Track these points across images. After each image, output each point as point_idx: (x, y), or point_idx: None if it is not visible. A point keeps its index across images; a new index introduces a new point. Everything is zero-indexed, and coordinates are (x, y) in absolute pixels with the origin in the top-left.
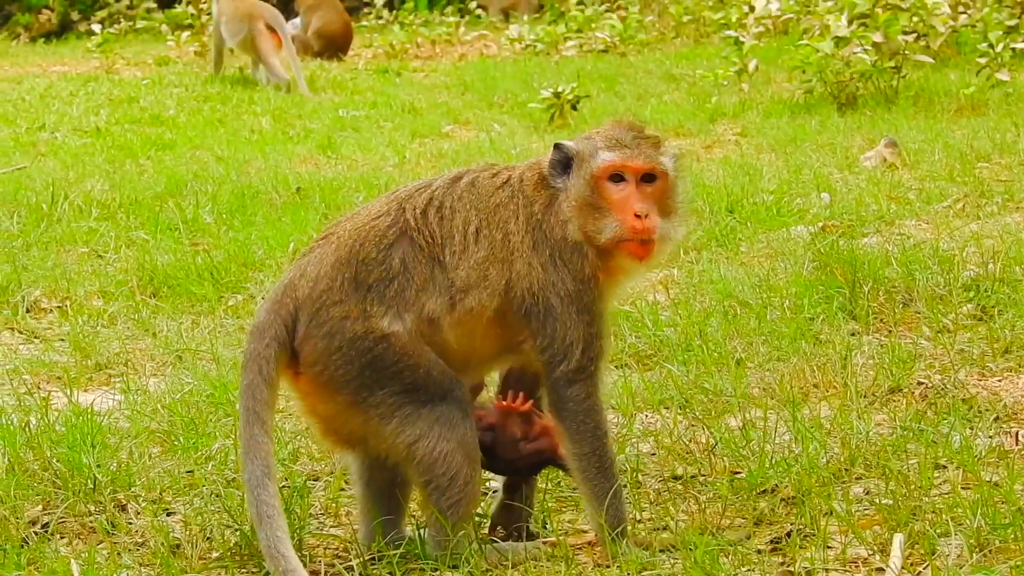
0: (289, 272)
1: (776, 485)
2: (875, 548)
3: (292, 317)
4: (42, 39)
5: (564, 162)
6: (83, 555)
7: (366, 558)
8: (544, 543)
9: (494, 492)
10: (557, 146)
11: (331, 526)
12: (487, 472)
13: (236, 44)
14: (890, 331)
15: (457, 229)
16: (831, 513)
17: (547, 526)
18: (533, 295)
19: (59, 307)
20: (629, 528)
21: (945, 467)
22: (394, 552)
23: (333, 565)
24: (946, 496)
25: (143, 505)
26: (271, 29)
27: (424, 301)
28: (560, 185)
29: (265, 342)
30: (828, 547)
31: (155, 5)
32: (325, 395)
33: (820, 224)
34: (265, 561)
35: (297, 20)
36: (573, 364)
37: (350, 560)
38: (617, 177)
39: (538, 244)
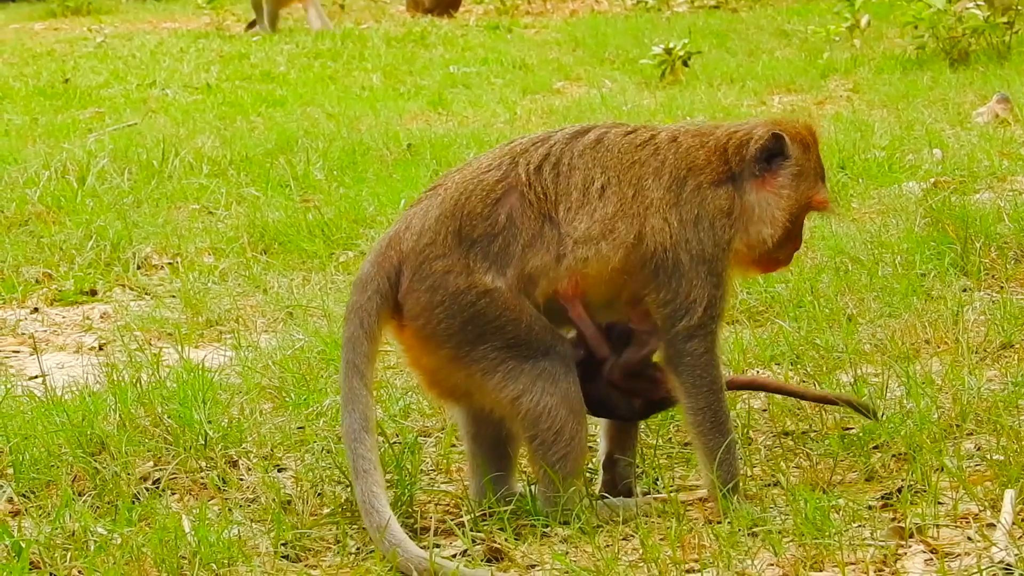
0: (395, 224)
1: (887, 441)
2: (986, 504)
3: (396, 270)
4: None
5: (773, 155)
6: (194, 511)
7: (477, 514)
8: (655, 499)
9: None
10: (778, 137)
11: (442, 482)
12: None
13: None
14: (1002, 287)
15: (576, 186)
16: (942, 469)
17: (658, 482)
18: (665, 250)
19: (170, 264)
20: (741, 484)
21: None
22: (504, 508)
23: (444, 521)
24: None
25: (254, 461)
26: None
27: (529, 258)
28: (756, 172)
29: (367, 295)
30: (939, 503)
31: None
32: (428, 348)
33: (932, 180)
34: (360, 515)
35: None
36: (695, 320)
37: (461, 516)
38: (815, 211)
39: (684, 204)
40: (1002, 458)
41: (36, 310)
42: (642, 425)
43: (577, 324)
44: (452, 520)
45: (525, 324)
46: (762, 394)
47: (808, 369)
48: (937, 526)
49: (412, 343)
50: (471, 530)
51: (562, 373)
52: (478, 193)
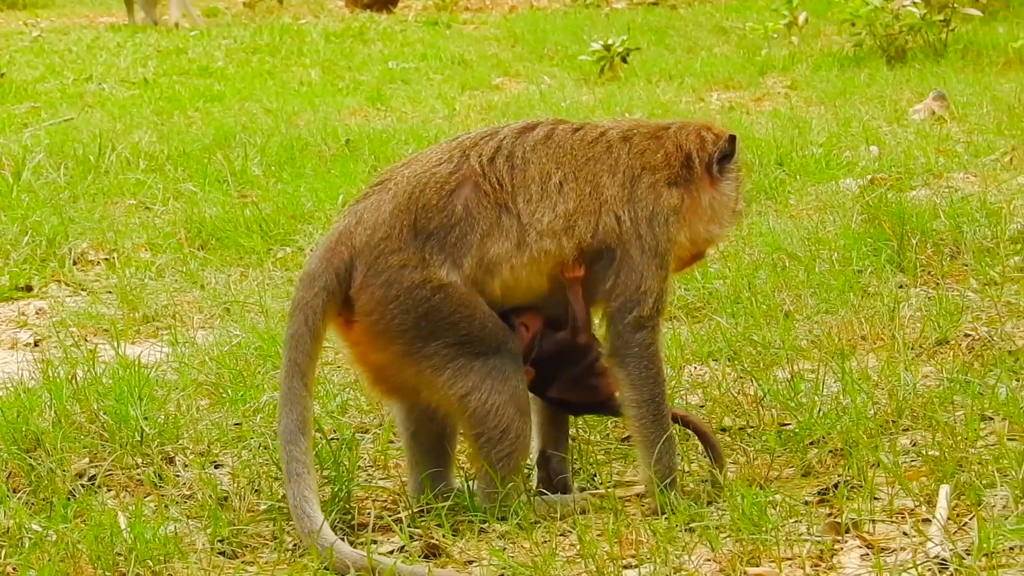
0: (343, 219)
1: (824, 437)
2: (921, 499)
3: (347, 266)
4: None
5: (726, 157)
6: (130, 508)
7: (414, 510)
8: (593, 494)
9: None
10: (733, 140)
11: (380, 478)
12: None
13: None
14: (938, 283)
15: (533, 180)
16: (878, 464)
17: (596, 478)
18: (620, 245)
19: (106, 259)
20: (678, 480)
21: (991, 419)
22: (442, 504)
23: (382, 517)
24: (992, 447)
25: (191, 458)
26: None
27: (489, 246)
28: (713, 173)
29: (314, 291)
30: (875, 498)
31: None
32: (379, 344)
33: (869, 177)
34: (293, 521)
35: None
36: (645, 312)
37: (399, 512)
38: None
39: (639, 201)
40: (937, 454)
41: None
42: (579, 422)
43: (573, 304)
44: (390, 516)
45: (479, 321)
46: (700, 390)
47: (745, 365)
48: (873, 521)
49: (362, 340)
50: (409, 526)
51: (511, 371)
52: (432, 185)
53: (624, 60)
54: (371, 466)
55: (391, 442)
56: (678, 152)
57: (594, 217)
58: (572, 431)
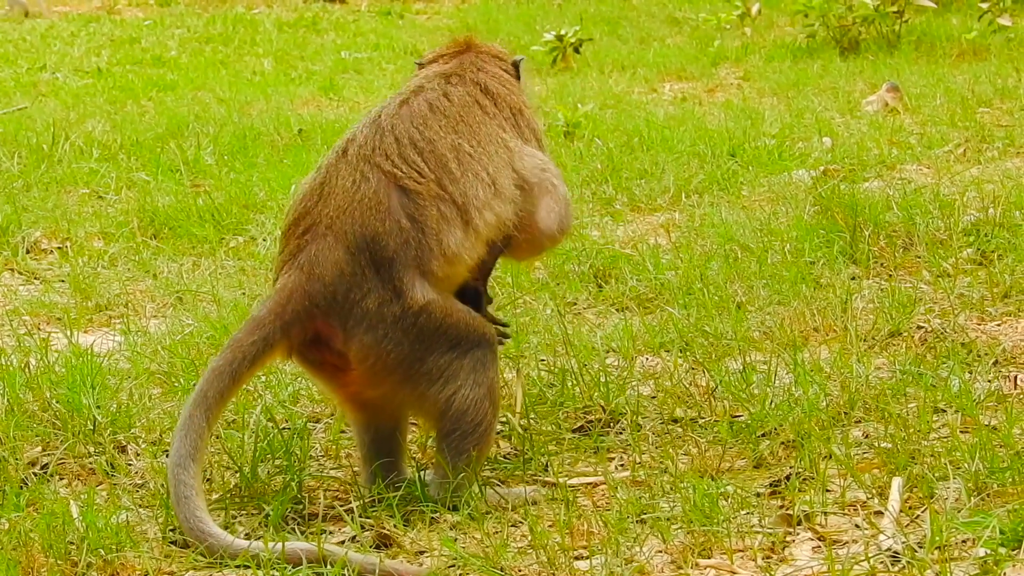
0: (288, 274)
1: (776, 428)
2: (874, 491)
3: (303, 325)
4: None
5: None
6: (82, 496)
7: (366, 500)
8: (544, 484)
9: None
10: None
11: (331, 468)
12: None
13: None
14: (890, 275)
15: (448, 157)
16: (830, 456)
17: (548, 468)
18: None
19: (59, 248)
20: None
21: (944, 411)
22: (394, 494)
23: (333, 507)
24: (945, 440)
25: (143, 446)
26: None
27: (446, 240)
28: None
29: (253, 338)
30: (827, 490)
31: None
32: (376, 381)
33: (821, 168)
34: (190, 540)
35: None
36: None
37: (350, 502)
38: None
39: (526, 133)
40: (890, 446)
41: None
42: (531, 412)
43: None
44: (341, 506)
45: (461, 321)
46: (651, 381)
47: (697, 356)
48: (825, 513)
49: (357, 382)
50: (360, 516)
51: (490, 360)
52: (369, 213)
53: (577, 50)
54: (322, 456)
55: (343, 432)
56: (504, 75)
57: (511, 169)
58: (524, 421)
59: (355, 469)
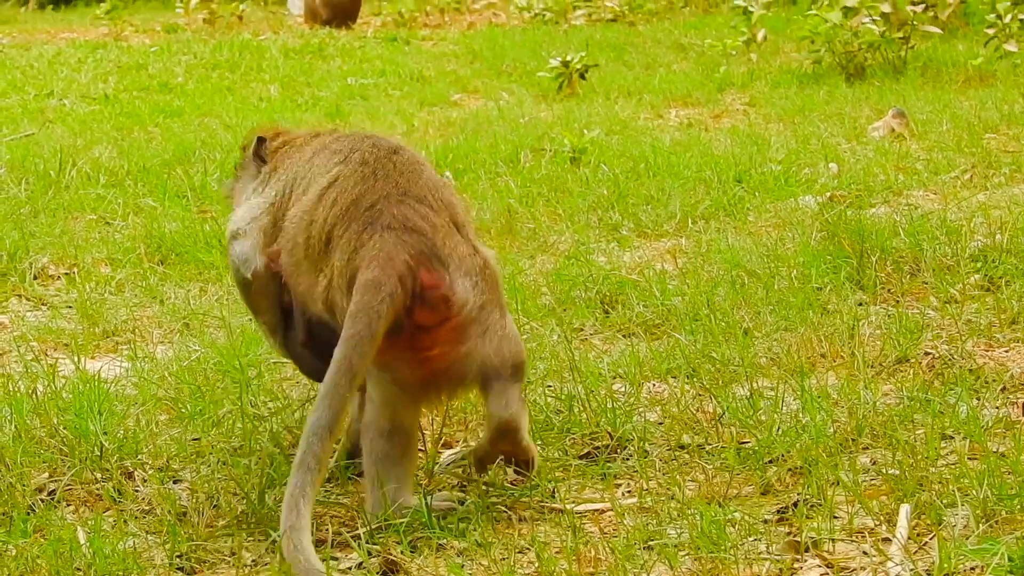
0: (381, 236)
1: (783, 455)
2: (882, 518)
3: (413, 275)
4: (50, 5)
5: None
6: (89, 522)
7: (372, 527)
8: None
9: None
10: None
11: (337, 494)
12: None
13: None
14: (897, 301)
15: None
16: (838, 483)
17: (555, 495)
18: None
19: (67, 274)
20: None
21: (952, 438)
22: (400, 520)
23: (340, 533)
24: (953, 467)
25: (150, 472)
26: None
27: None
28: None
29: (380, 297)
30: (835, 517)
31: None
32: (466, 334)
33: (828, 194)
34: (282, 508)
35: None
36: None
37: (357, 529)
38: None
39: None
40: (897, 472)
41: None
42: (537, 440)
43: None
44: (348, 532)
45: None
46: (658, 407)
47: (704, 382)
48: (833, 540)
49: (447, 339)
50: (367, 543)
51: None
52: (439, 184)
53: (582, 76)
54: (329, 482)
55: (351, 460)
56: None
57: None
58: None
59: (362, 495)
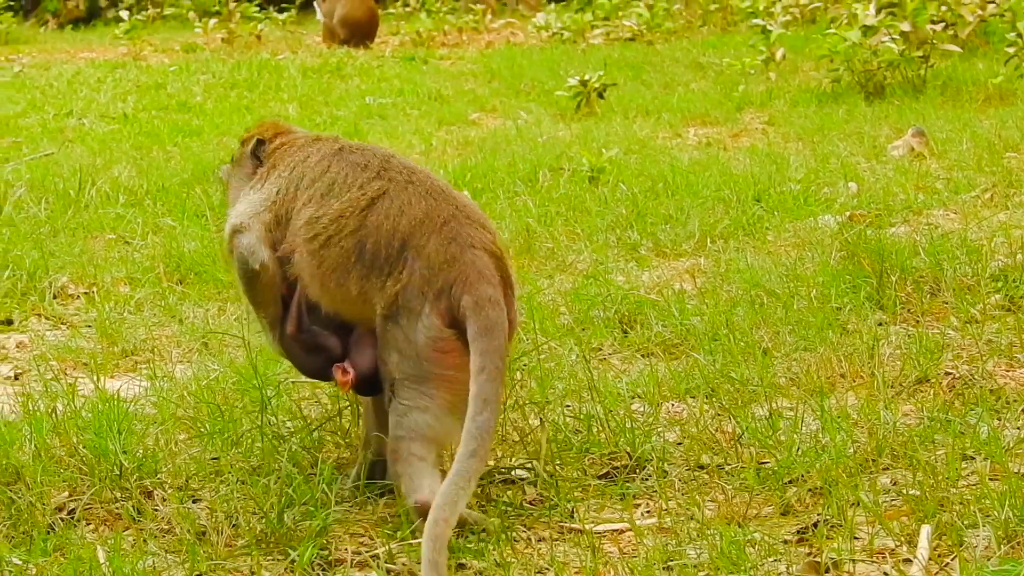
0: (475, 253)
1: (803, 475)
2: (902, 539)
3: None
4: (70, 25)
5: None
6: (109, 542)
7: (391, 546)
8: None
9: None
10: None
11: (356, 513)
12: None
13: None
14: (918, 321)
15: None
16: (858, 504)
17: (574, 515)
18: None
19: (86, 293)
20: None
21: (973, 458)
22: (419, 540)
23: (359, 553)
24: (974, 487)
25: (169, 492)
26: None
27: None
28: None
29: (502, 313)
30: (855, 538)
31: None
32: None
33: (847, 213)
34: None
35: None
36: None
37: (376, 548)
38: None
39: None
40: (918, 493)
41: None
42: (556, 459)
43: None
44: (367, 552)
45: None
46: (677, 427)
47: (723, 402)
48: (853, 561)
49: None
50: (386, 562)
51: None
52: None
53: (601, 96)
54: (348, 501)
55: (371, 479)
56: None
57: None
58: (549, 468)
59: (380, 515)
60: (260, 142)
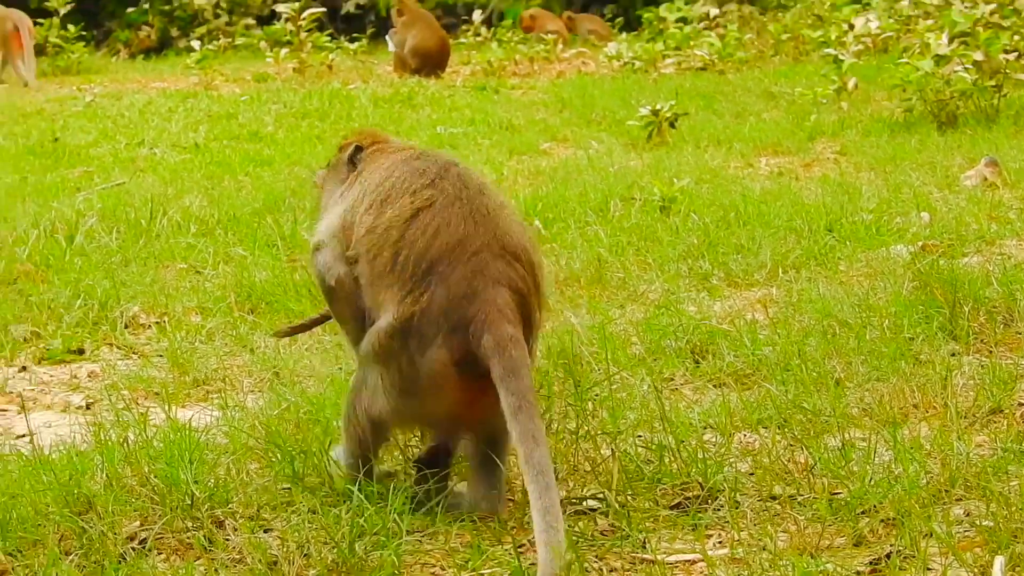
0: (499, 290)
1: (875, 506)
2: (976, 570)
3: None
4: (141, 55)
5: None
6: (180, 571)
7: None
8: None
9: None
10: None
11: (427, 543)
12: None
13: None
14: (991, 351)
15: None
16: (931, 535)
17: (645, 546)
18: None
19: (157, 323)
20: None
21: None
22: (488, 571)
23: None
24: None
25: (240, 521)
26: (17, 30)
27: None
28: None
29: (525, 352)
30: (928, 569)
31: (254, 22)
32: None
33: (920, 243)
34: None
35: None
36: None
37: None
38: None
39: None
40: (991, 524)
41: (24, 369)
42: (628, 489)
43: None
44: None
45: None
46: (749, 458)
47: (795, 433)
48: None
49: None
50: None
51: None
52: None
53: (672, 125)
54: (419, 531)
55: (437, 506)
56: None
57: None
58: (620, 498)
59: (451, 545)
60: (358, 148)
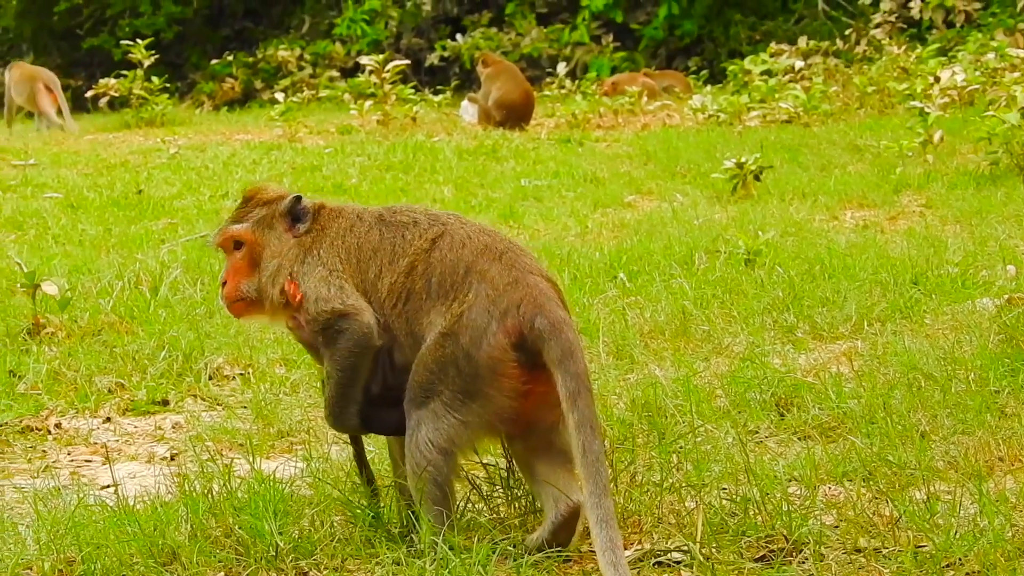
0: (535, 279)
1: (961, 559)
2: None
3: None
4: (225, 107)
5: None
6: None
7: None
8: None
9: None
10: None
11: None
12: None
13: (22, 100)
14: None
15: None
16: None
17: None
18: None
19: (241, 375)
20: None
21: None
22: None
23: None
24: None
25: (324, 573)
26: (48, 88)
27: None
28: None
29: (578, 336)
30: None
31: (338, 74)
32: None
33: (1006, 296)
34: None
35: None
36: None
37: None
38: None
39: None
40: None
41: (108, 419)
42: (713, 542)
43: None
44: None
45: None
46: (834, 511)
47: (880, 486)
48: None
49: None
50: None
51: None
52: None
53: (757, 178)
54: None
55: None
56: None
57: None
58: (705, 550)
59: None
60: (298, 198)
